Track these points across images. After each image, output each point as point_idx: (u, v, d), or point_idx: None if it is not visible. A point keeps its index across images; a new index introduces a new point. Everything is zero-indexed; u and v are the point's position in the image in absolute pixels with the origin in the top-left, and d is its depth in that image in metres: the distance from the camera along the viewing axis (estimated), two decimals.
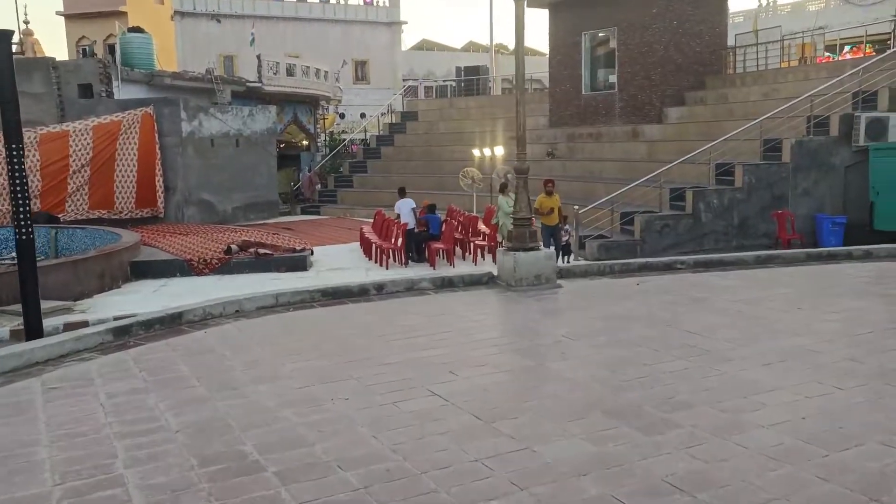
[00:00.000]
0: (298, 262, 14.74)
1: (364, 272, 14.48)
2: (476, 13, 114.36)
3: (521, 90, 9.18)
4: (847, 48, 34.12)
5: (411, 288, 8.57)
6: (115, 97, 22.42)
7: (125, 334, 6.92)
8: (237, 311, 7.93)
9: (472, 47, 66.62)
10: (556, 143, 24.29)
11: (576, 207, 15.38)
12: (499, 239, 14.90)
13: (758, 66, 22.51)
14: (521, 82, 9.17)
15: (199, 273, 14.39)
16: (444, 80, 50.37)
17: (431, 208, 15.74)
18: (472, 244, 15.44)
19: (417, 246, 15.58)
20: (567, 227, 14.29)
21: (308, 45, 45.00)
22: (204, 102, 23.43)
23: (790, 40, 23.48)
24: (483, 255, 15.22)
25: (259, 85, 27.54)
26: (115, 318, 10.53)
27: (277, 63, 28.80)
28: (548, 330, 6.89)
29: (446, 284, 8.68)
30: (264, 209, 24.97)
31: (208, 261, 14.49)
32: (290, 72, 29.25)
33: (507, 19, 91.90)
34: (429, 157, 27.76)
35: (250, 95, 27.46)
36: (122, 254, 14.02)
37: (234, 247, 15.06)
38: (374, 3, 53.89)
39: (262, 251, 14.70)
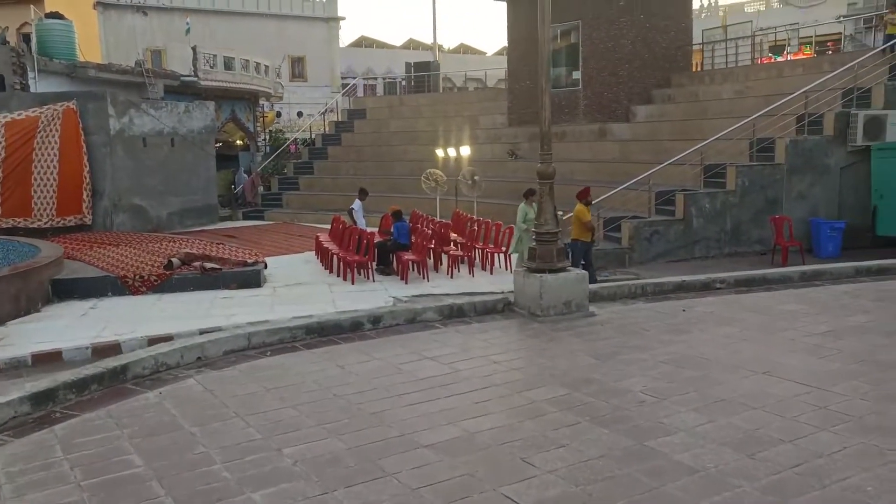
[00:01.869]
0: (251, 278, 12.93)
1: (327, 288, 12.78)
2: (416, 10, 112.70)
3: (546, 75, 7.69)
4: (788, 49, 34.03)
5: (414, 320, 6.98)
6: (32, 90, 19.99)
7: (48, 401, 5.10)
8: (199, 357, 6.18)
9: (412, 45, 65.06)
10: (518, 143, 22.97)
11: (560, 213, 13.98)
12: (509, 252, 13.59)
13: (727, 62, 21.67)
14: (545, 65, 7.67)
15: (136, 292, 12.42)
16: (384, 78, 48.75)
17: (398, 215, 14.13)
18: (448, 254, 13.90)
19: (384, 257, 13.95)
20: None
21: (241, 40, 42.66)
22: (134, 98, 21.18)
23: (762, 36, 22.74)
24: (458, 267, 13.68)
25: (194, 79, 25.31)
26: (34, 356, 8.67)
27: (214, 56, 26.62)
28: (615, 382, 5.36)
29: (455, 314, 7.14)
30: (203, 214, 22.84)
31: (146, 277, 12.53)
32: (227, 65, 27.10)
33: (450, 17, 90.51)
34: (380, 158, 26.08)
35: (184, 91, 25.20)
36: (42, 271, 11.94)
37: (175, 260, 13.13)
38: None
39: (208, 265, 12.82)
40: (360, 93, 37.20)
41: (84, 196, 19.04)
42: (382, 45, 64.40)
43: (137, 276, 12.52)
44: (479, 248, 14.25)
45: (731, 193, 14.29)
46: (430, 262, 14.00)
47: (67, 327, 10.26)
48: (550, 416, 4.62)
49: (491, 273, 13.81)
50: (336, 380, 5.60)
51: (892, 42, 15.79)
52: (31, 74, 20.16)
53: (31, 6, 21.73)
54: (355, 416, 4.72)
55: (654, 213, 14.50)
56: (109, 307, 11.63)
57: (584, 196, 11.96)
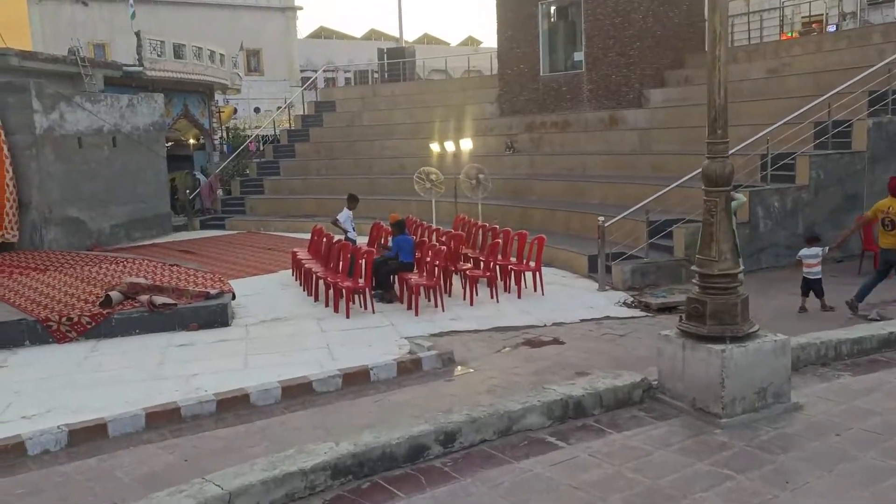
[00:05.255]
0: (216, 315, 9.98)
1: (316, 325, 9.90)
2: (376, 0, 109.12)
3: (723, 41, 4.96)
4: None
5: (509, 430, 4.23)
6: None
7: None
8: None
9: (373, 35, 61.97)
10: (514, 135, 20.27)
11: (601, 219, 11.34)
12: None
13: (749, 38, 19.23)
14: (718, 28, 4.96)
15: (62, 339, 9.41)
16: (345, 70, 45.69)
17: (401, 226, 11.29)
18: (464, 275, 11.09)
19: (383, 279, 11.12)
20: (821, 250, 9.56)
21: (191, 33, 39.44)
22: (68, 91, 17.90)
23: (793, 6, 20.34)
24: (476, 291, 10.86)
25: (139, 69, 22.03)
26: None
27: (162, 43, 23.33)
28: None
29: (571, 413, 4.44)
30: (153, 225, 19.66)
31: (75, 319, 9.51)
32: (178, 54, 23.84)
33: (412, 7, 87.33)
34: (355, 154, 23.14)
35: (128, 83, 21.93)
36: None
37: (115, 294, 10.11)
38: None
39: (158, 301, 9.84)
40: (322, 86, 34.16)
41: (7, 209, 15.79)
42: (343, 37, 61.27)
43: (65, 319, 9.49)
44: (500, 265, 11.47)
45: (804, 189, 11.79)
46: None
47: None
48: None
49: (519, 297, 11.06)
50: None
51: None
52: None
53: None
54: None
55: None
56: (24, 365, 8.62)
57: None
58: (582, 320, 9.70)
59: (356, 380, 7.47)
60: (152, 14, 39.09)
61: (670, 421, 4.46)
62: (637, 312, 10.01)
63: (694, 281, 4.84)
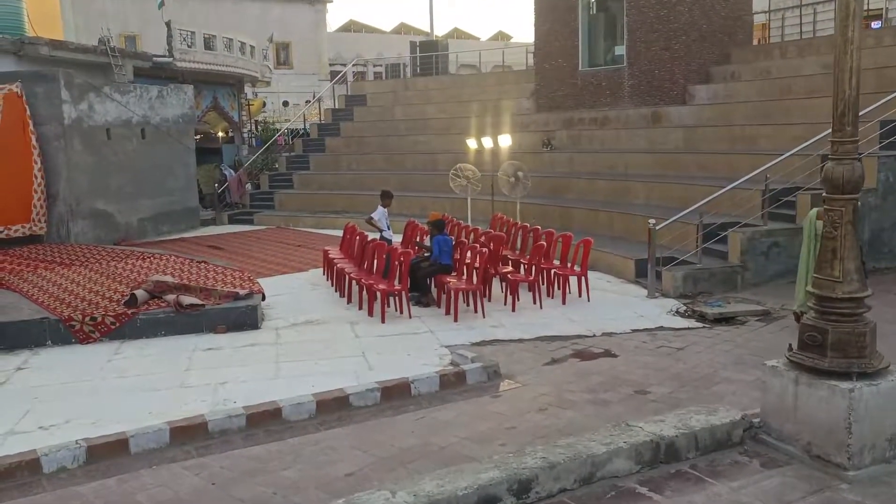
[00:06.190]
0: (245, 316, 9.49)
1: (349, 330, 9.37)
2: None
3: (857, 20, 4.32)
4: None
5: (592, 478, 3.63)
6: None
7: None
8: None
9: (403, 29, 61.49)
10: (551, 131, 19.61)
11: (651, 222, 10.66)
12: (796, 309, 8.25)
13: (801, 33, 18.36)
14: (853, 3, 4.28)
15: (85, 339, 8.98)
16: (374, 64, 45.27)
17: (440, 225, 10.70)
18: (506, 279, 10.48)
19: (420, 282, 10.55)
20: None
21: (222, 25, 39.44)
22: (97, 81, 17.54)
23: None
24: (517, 296, 10.25)
25: (169, 60, 21.70)
26: None
27: (192, 34, 22.98)
28: None
29: (662, 457, 3.84)
30: (181, 219, 19.30)
31: (99, 319, 9.07)
32: (208, 45, 23.48)
33: (443, 1, 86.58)
34: (387, 149, 22.61)
35: (158, 74, 21.61)
36: None
37: (140, 293, 9.66)
38: None
39: (185, 301, 9.37)
40: (351, 80, 33.75)
41: (35, 200, 15.45)
42: (372, 30, 60.84)
43: (88, 318, 9.05)
44: (545, 269, 10.84)
45: (871, 192, 11.01)
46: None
47: None
48: None
49: (563, 303, 10.44)
50: None
51: None
52: None
53: None
54: None
55: (768, 218, 11.15)
56: (45, 368, 8.18)
57: None
58: (634, 330, 9.06)
59: (396, 393, 6.92)
60: (184, 5, 39.02)
61: (782, 469, 3.83)
62: (692, 323, 9.34)
63: (811, 304, 4.17)
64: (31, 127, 15.43)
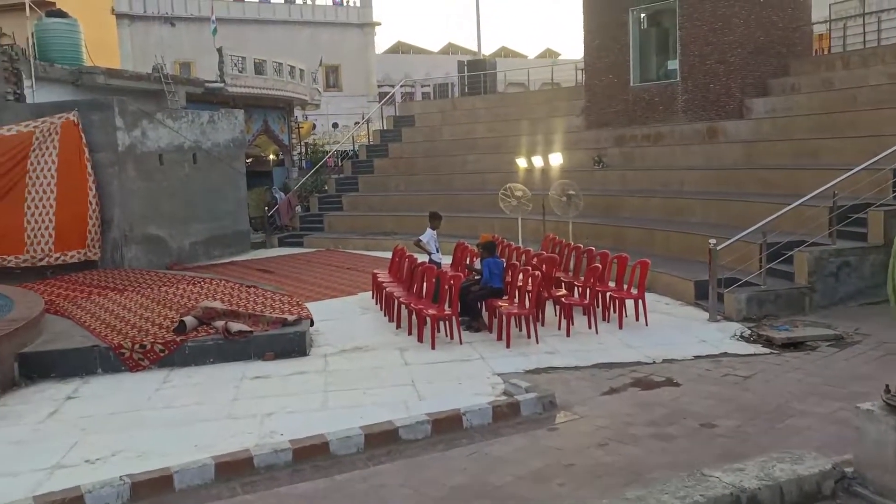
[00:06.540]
0: (293, 343, 9.34)
1: (399, 357, 9.13)
2: (454, 14, 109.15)
3: None
4: None
5: None
6: (29, 100, 16.78)
7: None
8: None
9: (450, 49, 61.73)
10: (602, 149, 19.20)
11: (712, 242, 10.20)
12: None
13: (865, 42, 17.65)
14: None
15: (135, 368, 8.92)
16: (421, 84, 45.49)
17: (491, 248, 10.42)
18: (559, 303, 10.13)
19: (470, 306, 10.27)
20: None
21: (273, 50, 40.23)
22: (150, 108, 17.82)
23: None
24: (572, 320, 9.88)
25: (221, 85, 22.03)
26: None
27: (243, 59, 23.31)
28: None
29: None
30: (232, 242, 19.43)
31: (148, 347, 9.02)
32: (258, 70, 23.78)
33: (488, 20, 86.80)
34: (434, 170, 22.49)
35: (210, 100, 21.96)
36: (2, 344, 8.45)
37: (189, 319, 9.60)
38: (345, 4, 49.00)
39: (234, 328, 9.26)
40: (399, 101, 33.90)
41: (89, 227, 15.69)
42: (420, 51, 61.21)
43: (138, 346, 9.00)
44: (601, 292, 10.46)
45: None
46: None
47: (14, 447, 6.69)
48: None
49: (620, 327, 10.03)
50: None
51: None
52: (27, 82, 16.96)
53: (27, 3, 18.53)
54: None
55: (837, 237, 10.57)
56: (94, 396, 8.13)
57: None
58: (696, 357, 8.61)
59: (447, 426, 6.62)
60: (237, 32, 39.96)
61: None
62: (759, 348, 8.84)
63: None
64: (87, 154, 15.72)
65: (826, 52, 19.15)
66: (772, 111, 16.77)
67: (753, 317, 9.98)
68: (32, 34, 18.44)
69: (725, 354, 8.66)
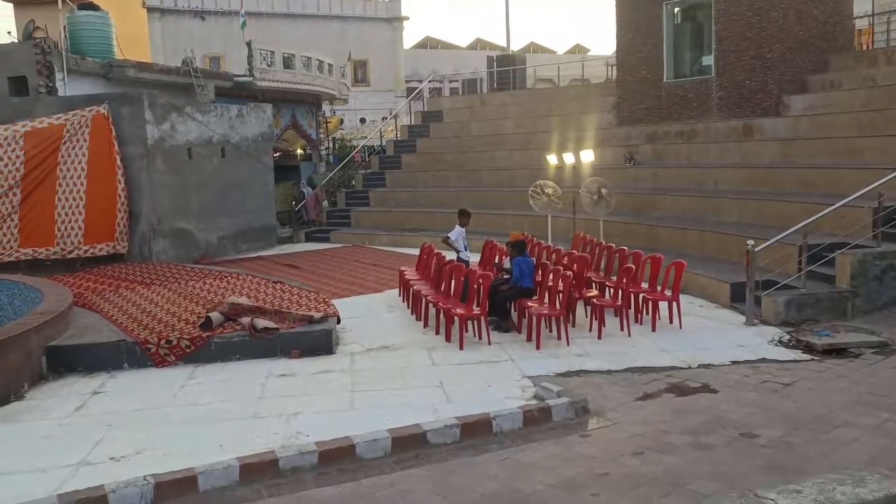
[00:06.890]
0: (319, 341, 9.21)
1: (426, 357, 8.96)
2: (482, 9, 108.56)
3: None
4: None
5: None
6: (61, 93, 16.88)
7: None
8: None
9: (479, 45, 61.35)
10: (634, 146, 18.87)
11: (750, 243, 9.89)
12: None
13: None
14: None
15: (161, 363, 8.86)
16: (450, 80, 45.28)
17: (521, 246, 10.21)
18: (591, 304, 9.90)
19: (499, 306, 10.07)
20: None
21: (302, 44, 40.24)
22: (180, 101, 17.84)
23: None
24: (603, 322, 9.64)
25: (249, 79, 22.03)
26: None
27: (272, 53, 23.29)
28: None
29: None
30: (259, 237, 19.41)
31: (174, 343, 8.95)
32: (287, 64, 23.75)
33: (517, 16, 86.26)
34: (462, 166, 22.28)
35: (238, 94, 21.97)
36: (31, 337, 8.44)
37: (216, 315, 9.52)
38: None
39: (260, 325, 9.16)
40: (427, 96, 33.78)
41: (118, 220, 15.73)
42: (448, 46, 60.91)
43: (164, 341, 8.93)
44: (634, 293, 10.19)
45: None
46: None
47: (40, 442, 6.64)
48: None
49: (653, 329, 9.77)
50: None
51: None
52: (59, 75, 17.04)
53: (73, 6, 18.63)
54: None
55: (882, 239, 10.21)
56: (121, 391, 8.07)
57: None
58: (733, 362, 8.32)
59: (476, 430, 6.44)
60: (267, 26, 40.05)
61: None
62: (799, 354, 8.54)
63: None
64: (116, 147, 15.76)
65: (868, 48, 18.62)
66: (810, 108, 16.33)
67: (792, 321, 9.66)
68: (64, 27, 18.55)
69: (764, 360, 8.37)
